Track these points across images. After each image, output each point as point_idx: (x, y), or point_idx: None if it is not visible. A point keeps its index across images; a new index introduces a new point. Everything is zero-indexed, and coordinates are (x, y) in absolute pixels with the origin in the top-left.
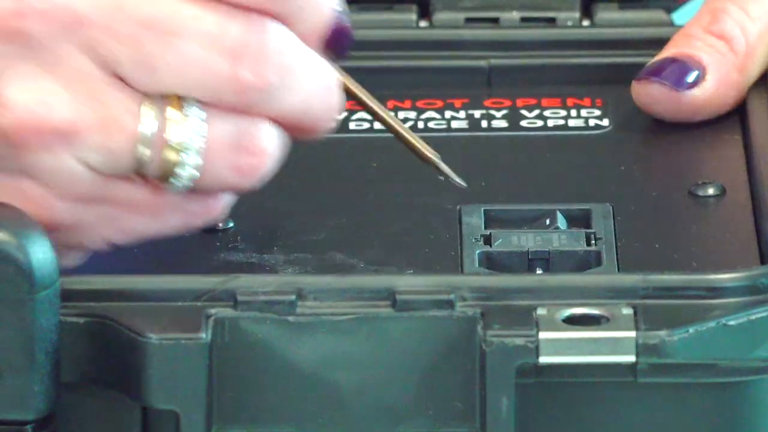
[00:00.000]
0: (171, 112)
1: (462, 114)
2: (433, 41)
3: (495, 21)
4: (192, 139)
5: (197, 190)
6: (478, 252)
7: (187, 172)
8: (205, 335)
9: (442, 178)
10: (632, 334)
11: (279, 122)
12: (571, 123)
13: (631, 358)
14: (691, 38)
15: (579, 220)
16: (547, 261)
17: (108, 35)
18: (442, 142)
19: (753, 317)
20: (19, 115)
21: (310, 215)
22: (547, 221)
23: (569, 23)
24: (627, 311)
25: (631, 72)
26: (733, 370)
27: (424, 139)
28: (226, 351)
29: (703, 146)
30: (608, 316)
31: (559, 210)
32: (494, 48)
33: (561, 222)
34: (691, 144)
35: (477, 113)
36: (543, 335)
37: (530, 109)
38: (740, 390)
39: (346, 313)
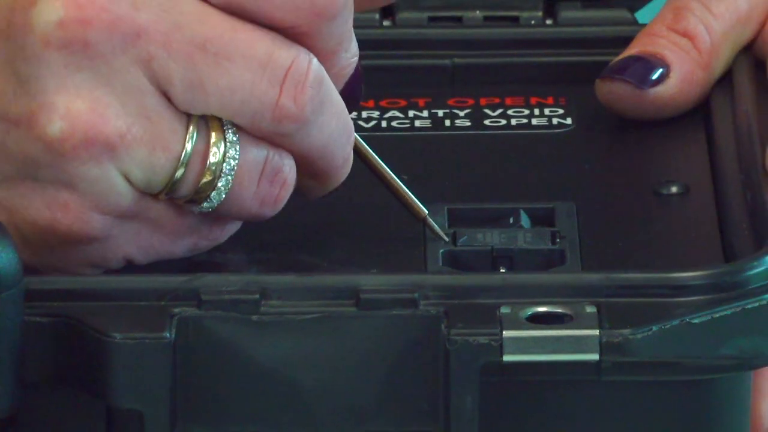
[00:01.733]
0: (213, 135)
1: (425, 113)
2: (397, 40)
3: (458, 20)
4: (228, 164)
5: (216, 214)
6: (441, 251)
7: (217, 196)
8: (168, 334)
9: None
10: (596, 332)
11: (298, 160)
12: (535, 122)
13: (594, 357)
14: (655, 36)
15: (543, 219)
16: (510, 259)
17: (164, 51)
18: (405, 141)
19: (716, 315)
20: (71, 123)
21: (274, 215)
22: (511, 220)
23: (532, 22)
24: (590, 309)
25: (595, 71)
26: (697, 368)
27: (387, 138)
28: (189, 350)
29: (667, 145)
30: (572, 315)
31: (523, 209)
32: (457, 47)
33: (525, 221)
34: (655, 142)
35: (440, 112)
36: (507, 334)
37: (493, 108)
38: (704, 388)
39: (310, 312)
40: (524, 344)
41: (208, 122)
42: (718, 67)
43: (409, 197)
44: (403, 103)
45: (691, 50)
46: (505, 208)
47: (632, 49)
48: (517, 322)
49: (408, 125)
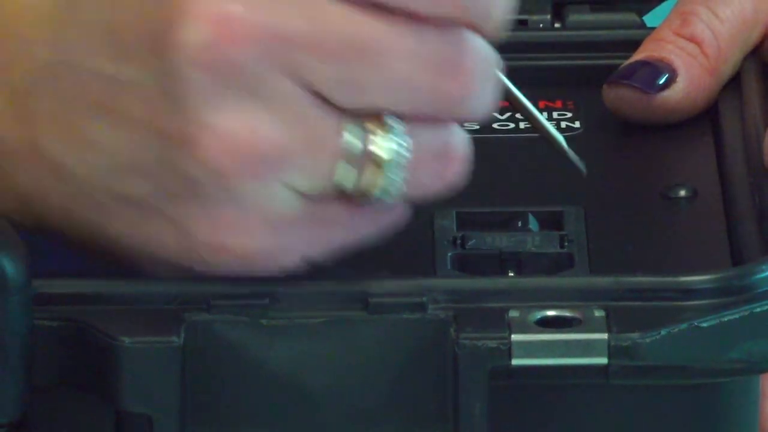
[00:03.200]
0: (373, 127)
1: None
2: None
3: None
4: (397, 153)
5: (398, 200)
6: (450, 254)
7: (393, 186)
8: (178, 339)
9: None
10: (604, 336)
11: None
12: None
13: (603, 361)
14: (662, 42)
15: (551, 222)
16: (519, 263)
17: (312, 57)
18: None
19: (725, 319)
20: (228, 143)
21: None
22: (519, 223)
23: (541, 25)
24: (599, 313)
25: (603, 74)
26: (706, 372)
27: None
28: (199, 354)
29: (675, 148)
30: (580, 318)
31: (531, 212)
32: None
33: (533, 224)
34: (663, 146)
35: None
36: (515, 338)
37: (502, 111)
38: (713, 392)
39: (319, 316)
40: (533, 348)
41: (367, 115)
42: (726, 71)
43: (550, 127)
44: None
45: (699, 55)
46: (514, 211)
47: (639, 55)
48: (526, 326)
49: None
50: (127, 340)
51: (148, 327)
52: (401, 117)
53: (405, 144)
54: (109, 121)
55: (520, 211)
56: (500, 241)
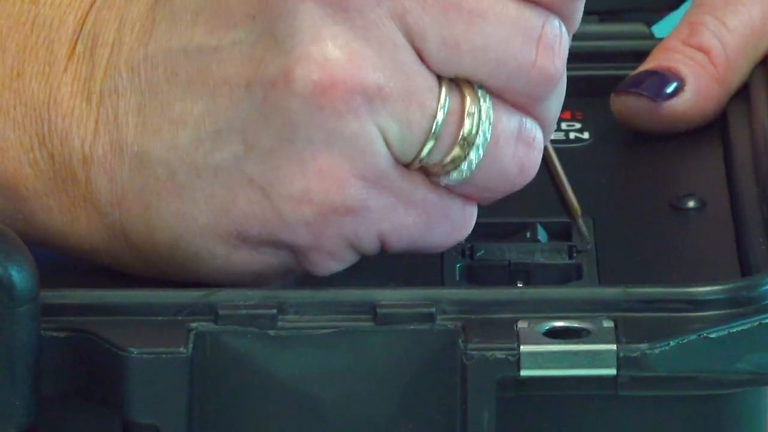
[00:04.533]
0: (467, 94)
1: None
2: None
3: None
4: (486, 127)
5: (474, 184)
6: (458, 265)
7: (475, 156)
8: (186, 349)
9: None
10: (613, 347)
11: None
12: (552, 136)
13: (611, 371)
14: (670, 51)
15: (559, 233)
16: (527, 274)
17: (418, 6)
18: None
19: (734, 330)
20: (330, 72)
21: None
22: (528, 234)
23: None
24: (608, 324)
25: (612, 85)
26: (714, 382)
27: None
28: (207, 365)
29: (684, 158)
30: (589, 329)
31: (540, 223)
32: None
33: (541, 235)
34: (672, 156)
35: None
36: (524, 348)
37: None
38: (721, 403)
39: (327, 326)
40: (541, 359)
41: (459, 84)
42: (734, 80)
43: (570, 191)
44: None
45: (707, 64)
46: (523, 222)
47: (647, 65)
48: (534, 337)
49: None
50: (134, 350)
51: (155, 338)
52: (492, 91)
53: (492, 120)
54: (201, 92)
55: (529, 222)
56: (509, 251)
